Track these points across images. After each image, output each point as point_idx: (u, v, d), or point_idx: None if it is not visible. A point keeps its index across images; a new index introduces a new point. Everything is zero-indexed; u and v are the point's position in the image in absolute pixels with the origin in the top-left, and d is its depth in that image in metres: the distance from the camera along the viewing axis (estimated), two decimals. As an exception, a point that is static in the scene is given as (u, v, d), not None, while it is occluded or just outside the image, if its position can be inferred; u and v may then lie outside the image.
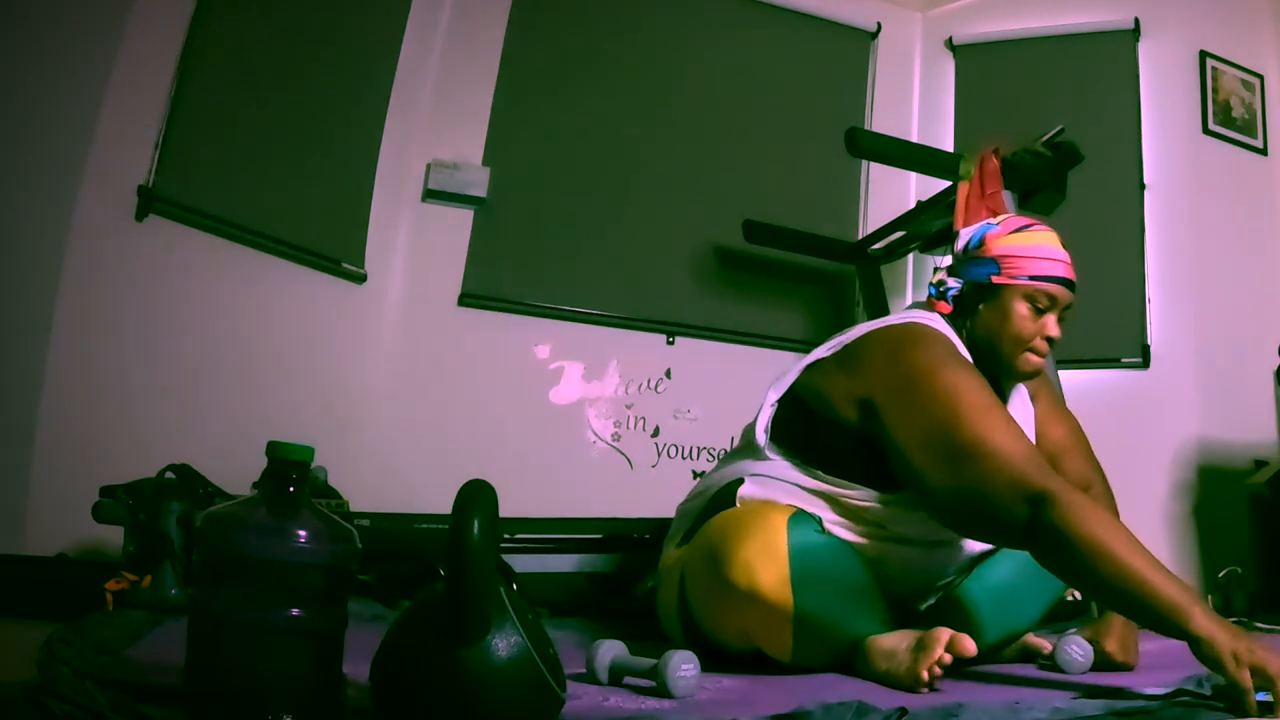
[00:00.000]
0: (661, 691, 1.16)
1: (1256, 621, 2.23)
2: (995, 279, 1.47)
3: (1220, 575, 2.56)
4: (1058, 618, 2.06)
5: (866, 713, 0.99)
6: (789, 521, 1.31)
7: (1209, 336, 3.03)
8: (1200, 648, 1.09)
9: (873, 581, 1.39)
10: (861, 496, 1.42)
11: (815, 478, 1.44)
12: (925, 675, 1.21)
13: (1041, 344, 1.48)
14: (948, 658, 1.21)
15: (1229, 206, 3.18)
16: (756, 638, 1.35)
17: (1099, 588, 1.19)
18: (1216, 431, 2.92)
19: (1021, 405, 1.59)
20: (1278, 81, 3.31)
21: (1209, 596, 2.57)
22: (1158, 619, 1.13)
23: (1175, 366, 3.00)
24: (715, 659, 1.39)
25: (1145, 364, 3.02)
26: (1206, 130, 3.19)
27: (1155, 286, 3.07)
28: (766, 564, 1.27)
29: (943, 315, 1.53)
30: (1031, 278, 1.46)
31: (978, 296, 1.50)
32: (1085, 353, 2.96)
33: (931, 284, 1.56)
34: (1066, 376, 2.45)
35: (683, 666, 1.17)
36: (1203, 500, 2.88)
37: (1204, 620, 1.09)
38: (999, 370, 1.50)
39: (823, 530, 1.36)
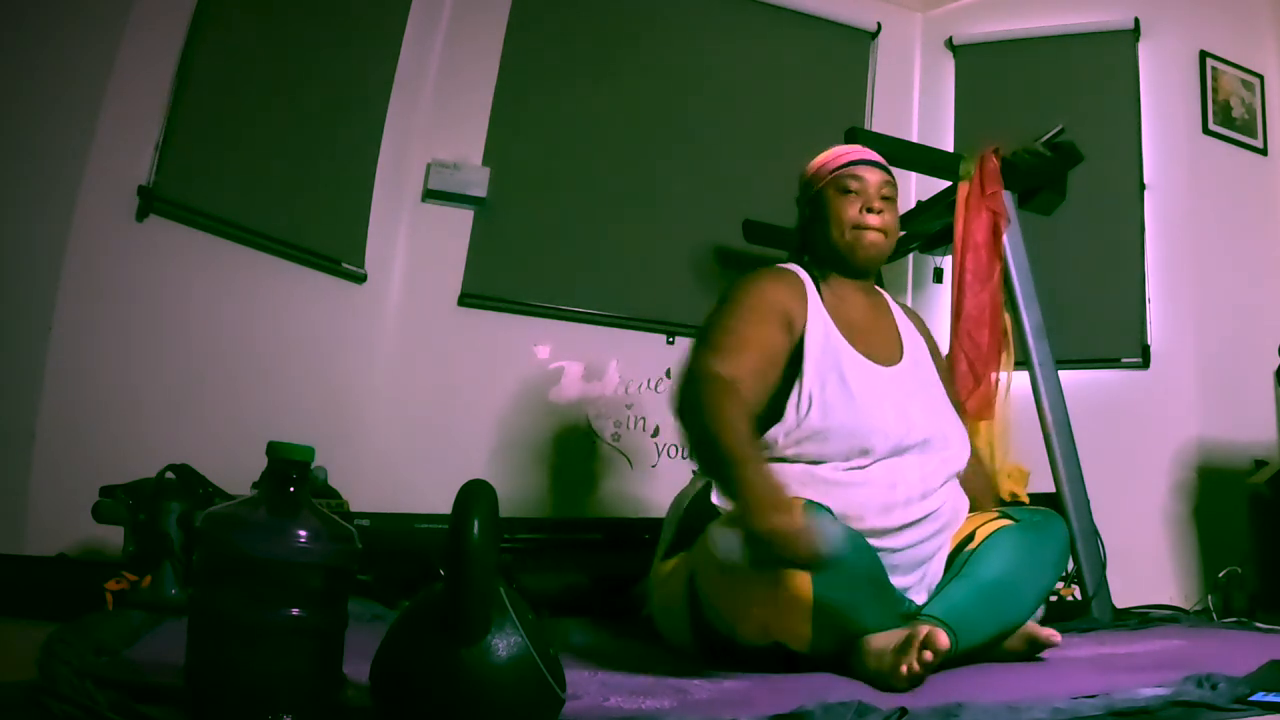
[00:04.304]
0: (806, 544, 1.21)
1: (1257, 621, 2.23)
2: (814, 189, 1.71)
3: (1220, 575, 2.56)
4: (1058, 617, 2.06)
5: (866, 713, 0.99)
6: (803, 510, 1.31)
7: (1209, 336, 3.03)
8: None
9: (885, 572, 1.40)
10: (774, 439, 1.50)
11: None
12: (905, 671, 1.21)
13: (868, 217, 1.64)
14: (928, 655, 1.21)
15: (1229, 206, 3.18)
16: (775, 628, 1.34)
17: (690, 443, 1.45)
18: (1216, 431, 2.92)
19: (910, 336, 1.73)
20: (1278, 81, 3.31)
21: (1209, 596, 2.57)
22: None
23: (1175, 366, 3.00)
24: (716, 660, 1.39)
25: (1145, 364, 3.02)
26: (1206, 130, 3.19)
27: (1155, 286, 3.06)
28: None
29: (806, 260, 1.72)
30: (834, 170, 1.69)
31: (813, 219, 1.71)
32: (1085, 353, 2.97)
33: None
34: (1067, 377, 2.44)
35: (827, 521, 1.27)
36: (1203, 500, 2.87)
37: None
38: (850, 268, 1.67)
39: (835, 519, 1.36)
